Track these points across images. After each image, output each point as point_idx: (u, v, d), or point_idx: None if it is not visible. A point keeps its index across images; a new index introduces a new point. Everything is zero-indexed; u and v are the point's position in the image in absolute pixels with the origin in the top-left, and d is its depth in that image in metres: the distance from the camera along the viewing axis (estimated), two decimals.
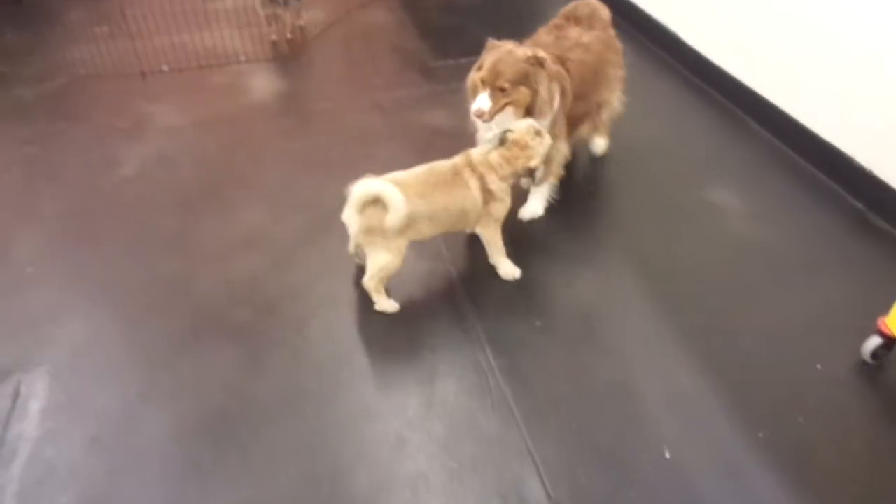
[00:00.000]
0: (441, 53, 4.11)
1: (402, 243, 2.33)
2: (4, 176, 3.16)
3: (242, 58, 4.14)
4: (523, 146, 2.35)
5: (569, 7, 2.90)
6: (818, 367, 2.15)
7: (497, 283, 2.50)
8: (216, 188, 3.05)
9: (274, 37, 4.28)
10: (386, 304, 2.40)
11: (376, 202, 2.23)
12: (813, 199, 2.82)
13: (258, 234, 2.78)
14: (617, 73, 2.88)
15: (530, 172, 2.40)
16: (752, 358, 2.20)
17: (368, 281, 2.38)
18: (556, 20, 2.87)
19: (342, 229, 2.77)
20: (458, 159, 2.41)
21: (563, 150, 2.71)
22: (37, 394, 2.11)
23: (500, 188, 2.39)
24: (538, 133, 2.38)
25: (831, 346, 2.22)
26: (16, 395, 2.11)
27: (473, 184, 2.35)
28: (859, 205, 2.73)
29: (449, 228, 2.44)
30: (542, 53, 2.45)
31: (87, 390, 2.14)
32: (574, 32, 2.73)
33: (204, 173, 3.15)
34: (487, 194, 2.38)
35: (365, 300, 2.45)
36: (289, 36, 4.29)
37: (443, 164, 2.40)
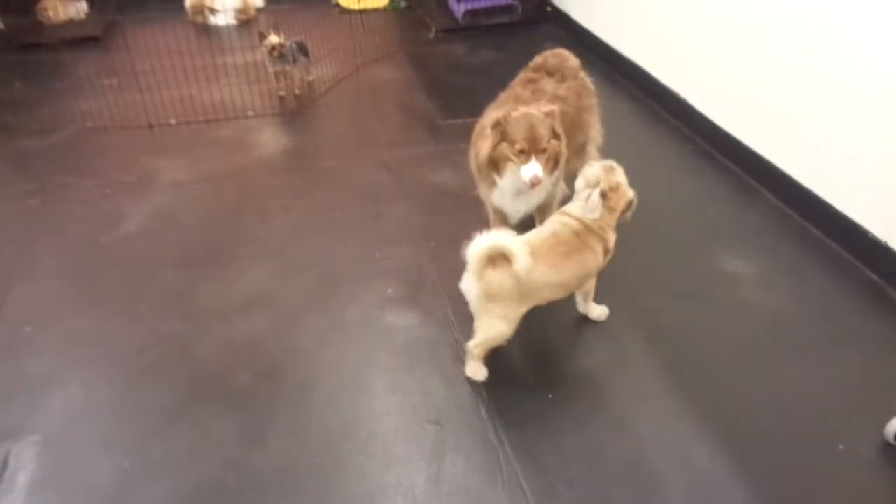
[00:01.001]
0: (449, 113, 4.12)
1: (520, 312, 2.25)
2: (6, 230, 3.12)
3: (250, 112, 4.15)
4: (615, 188, 2.31)
5: (538, 60, 2.94)
6: (840, 447, 2.07)
7: (508, 353, 2.43)
8: (220, 246, 3.00)
9: (282, 93, 4.30)
10: (478, 371, 2.33)
11: (496, 264, 2.14)
12: (827, 269, 2.78)
13: (261, 295, 2.72)
14: (593, 116, 2.99)
15: (630, 205, 2.36)
16: (771, 436, 2.12)
17: (475, 348, 2.30)
18: (527, 73, 2.89)
19: (349, 291, 2.73)
20: (573, 224, 2.30)
21: (563, 187, 2.82)
22: (26, 465, 2.02)
23: (614, 239, 2.38)
24: (612, 168, 2.35)
25: (852, 425, 2.14)
26: (3, 466, 2.02)
27: (598, 247, 2.32)
28: (874, 277, 2.69)
29: (571, 292, 2.42)
30: (551, 106, 2.49)
31: (79, 463, 2.05)
32: (549, 85, 2.76)
33: (208, 230, 3.11)
34: (607, 252, 2.37)
35: (371, 368, 2.38)
36: (297, 92, 4.31)
37: (564, 232, 2.29)
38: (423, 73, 4.69)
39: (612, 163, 2.37)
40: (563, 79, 2.84)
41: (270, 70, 4.23)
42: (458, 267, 2.81)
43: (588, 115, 2.96)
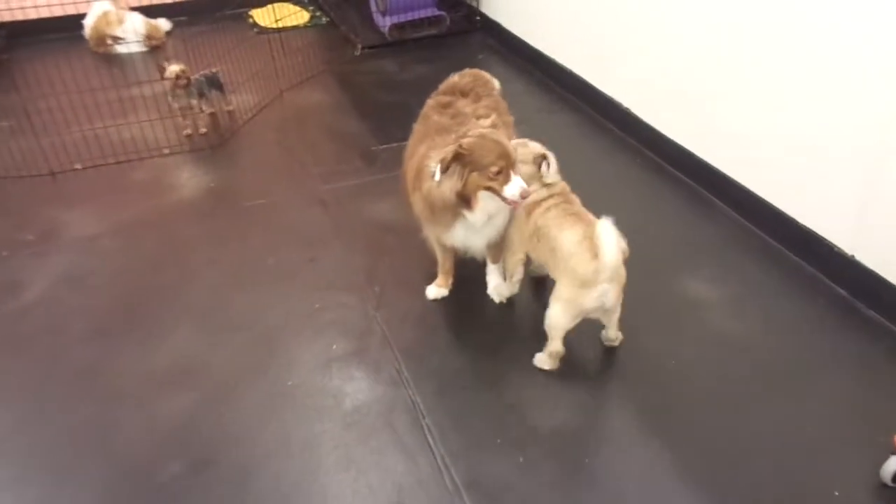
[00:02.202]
0: (383, 136, 3.86)
1: None
2: None
3: (166, 150, 3.80)
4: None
5: (448, 81, 2.77)
6: (836, 493, 1.92)
7: (472, 409, 2.21)
8: (137, 310, 2.67)
9: (188, 130, 3.93)
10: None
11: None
12: (795, 287, 2.66)
13: (189, 365, 2.41)
14: (511, 134, 2.77)
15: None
16: (761, 487, 1.95)
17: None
18: (438, 98, 2.70)
19: (288, 352, 2.45)
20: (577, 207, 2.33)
21: None
22: None
23: None
24: (524, 142, 2.42)
25: (845, 466, 1.99)
26: None
27: None
28: (843, 292, 2.58)
29: None
30: (490, 119, 2.40)
31: None
32: (467, 106, 2.57)
33: (123, 292, 2.77)
34: None
35: (320, 443, 2.12)
36: (203, 130, 3.94)
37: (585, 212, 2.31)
38: (352, 94, 4.43)
39: (521, 140, 2.40)
40: (478, 98, 2.65)
41: (174, 105, 3.85)
42: (407, 311, 2.61)
43: (508, 132, 2.76)
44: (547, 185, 2.34)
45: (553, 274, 2.27)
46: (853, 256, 2.53)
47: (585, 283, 2.11)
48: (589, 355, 2.39)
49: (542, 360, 2.33)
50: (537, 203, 2.31)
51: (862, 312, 2.50)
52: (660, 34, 3.36)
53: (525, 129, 3.97)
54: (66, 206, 3.34)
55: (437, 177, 2.18)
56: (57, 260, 2.95)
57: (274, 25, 5.36)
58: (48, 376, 2.39)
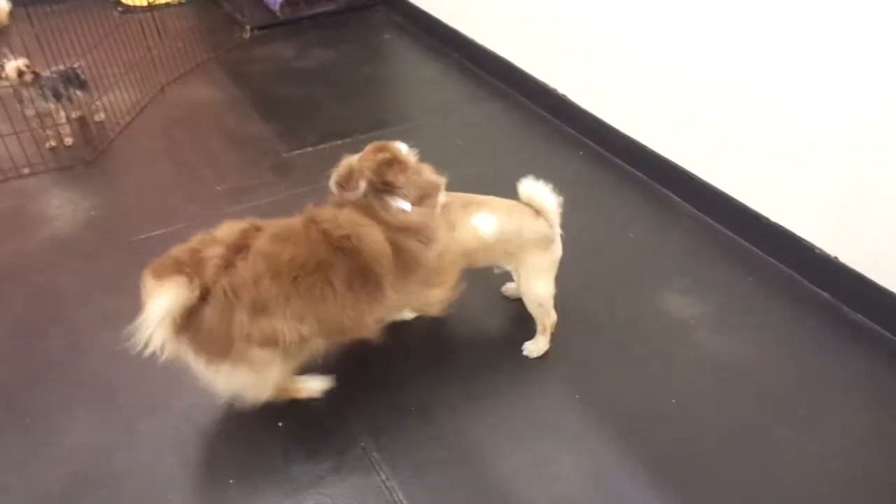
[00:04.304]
0: (294, 139, 3.35)
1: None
2: None
3: (25, 169, 3.11)
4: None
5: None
6: None
7: (459, 492, 1.86)
8: (14, 399, 2.10)
9: (52, 142, 3.26)
10: None
11: None
12: (777, 294, 2.47)
13: (93, 470, 1.90)
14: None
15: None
16: None
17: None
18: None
19: (234, 440, 1.97)
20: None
21: None
22: None
23: None
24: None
25: None
26: None
27: None
28: (827, 296, 2.42)
29: None
30: None
31: None
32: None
33: None
34: None
35: None
36: (68, 141, 3.28)
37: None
38: (248, 87, 3.85)
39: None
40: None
41: (26, 113, 3.15)
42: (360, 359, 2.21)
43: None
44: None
45: (505, 263, 2.18)
46: (837, 258, 2.37)
47: (549, 241, 2.10)
48: (568, 399, 2.10)
49: (540, 344, 2.23)
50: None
51: (850, 318, 2.35)
52: (602, 4, 3.03)
53: (449, 121, 3.62)
54: None
55: None
56: None
57: (143, 3, 4.62)
58: None
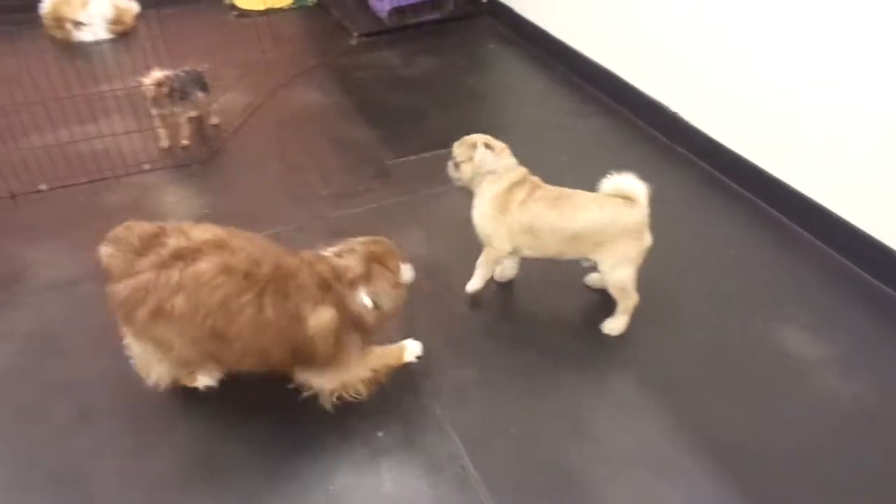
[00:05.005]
0: (398, 147, 3.39)
1: None
2: None
3: (146, 165, 3.27)
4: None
5: None
6: None
7: None
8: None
9: (165, 143, 3.39)
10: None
11: None
12: None
13: None
14: None
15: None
16: None
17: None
18: None
19: (327, 440, 1.97)
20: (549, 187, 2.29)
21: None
22: None
23: None
24: None
25: None
26: None
27: None
28: None
29: None
30: None
31: None
32: None
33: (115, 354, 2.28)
34: None
35: None
36: (185, 142, 3.40)
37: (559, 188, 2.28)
38: (354, 93, 3.91)
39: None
40: None
41: (154, 113, 3.32)
42: (461, 378, 2.20)
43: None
44: (506, 174, 2.25)
45: (593, 254, 2.23)
46: None
47: (640, 230, 2.16)
48: (670, 434, 2.00)
49: (620, 322, 2.29)
50: (506, 196, 2.23)
51: None
52: (716, 21, 2.91)
53: (554, 136, 3.56)
54: (32, 240, 2.82)
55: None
56: (23, 314, 2.45)
57: (257, 7, 4.80)
58: (21, 481, 1.92)
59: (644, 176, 3.05)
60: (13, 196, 3.06)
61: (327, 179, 3.18)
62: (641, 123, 3.48)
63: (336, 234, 2.75)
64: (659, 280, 2.41)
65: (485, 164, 2.24)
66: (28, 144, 3.24)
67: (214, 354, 1.92)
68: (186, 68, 3.38)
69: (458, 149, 2.31)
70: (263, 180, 3.23)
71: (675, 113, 3.27)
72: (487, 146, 2.24)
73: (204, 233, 1.89)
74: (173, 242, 1.84)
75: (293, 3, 5.06)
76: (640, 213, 2.15)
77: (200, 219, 2.93)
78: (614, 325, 2.30)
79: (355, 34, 4.52)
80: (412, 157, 3.30)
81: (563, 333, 2.36)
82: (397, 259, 2.03)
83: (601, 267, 2.24)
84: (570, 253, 2.26)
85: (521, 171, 2.28)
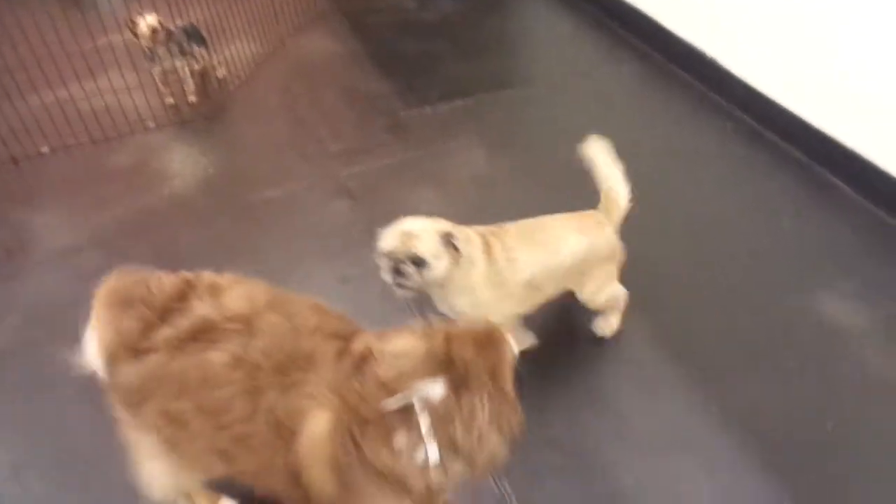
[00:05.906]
0: (412, 98, 3.19)
1: None
2: None
3: (150, 123, 3.13)
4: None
5: None
6: None
7: (576, 501, 1.70)
8: None
9: (170, 99, 3.24)
10: None
11: None
12: None
13: None
14: None
15: None
16: None
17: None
18: None
19: None
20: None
21: None
22: None
23: None
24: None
25: None
26: None
27: None
28: None
29: None
30: None
31: None
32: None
33: None
34: None
35: None
36: (191, 98, 3.25)
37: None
38: (367, 41, 3.70)
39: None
40: None
41: (153, 70, 3.17)
42: None
43: None
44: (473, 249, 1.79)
45: (577, 285, 1.96)
46: None
47: (617, 250, 1.95)
48: (699, 407, 1.86)
49: (612, 321, 2.07)
50: (490, 265, 1.79)
51: None
52: None
53: (582, 84, 3.32)
54: (35, 206, 2.73)
55: None
56: (28, 284, 2.37)
57: None
58: (25, 464, 1.86)
59: (677, 128, 2.82)
60: (15, 161, 2.95)
61: (337, 134, 3.01)
62: (676, 70, 3.22)
63: (347, 194, 2.66)
64: (691, 245, 2.23)
65: (468, 255, 1.76)
66: (27, 105, 3.11)
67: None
68: (181, 23, 3.21)
69: (397, 243, 1.72)
70: (271, 136, 3.07)
71: (713, 59, 3.01)
72: (449, 234, 1.70)
73: (238, 300, 1.35)
74: (199, 310, 1.33)
75: None
76: (611, 232, 1.90)
77: (206, 178, 2.82)
78: (606, 324, 2.08)
79: None
80: (428, 109, 3.11)
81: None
82: (510, 367, 1.25)
83: (583, 296, 1.97)
84: (551, 289, 1.94)
85: (469, 231, 1.81)
